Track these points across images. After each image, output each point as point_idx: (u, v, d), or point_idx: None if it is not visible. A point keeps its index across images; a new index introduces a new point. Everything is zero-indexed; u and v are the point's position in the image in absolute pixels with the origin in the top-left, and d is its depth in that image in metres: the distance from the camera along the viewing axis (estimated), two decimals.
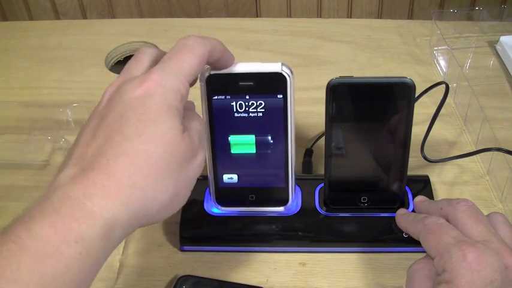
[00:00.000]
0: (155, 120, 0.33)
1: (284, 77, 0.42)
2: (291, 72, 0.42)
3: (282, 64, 0.42)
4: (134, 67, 0.38)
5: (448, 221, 0.40)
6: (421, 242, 0.40)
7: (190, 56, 0.36)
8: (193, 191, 0.37)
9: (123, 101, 0.34)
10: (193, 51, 0.36)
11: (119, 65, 0.78)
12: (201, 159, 0.37)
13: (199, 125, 0.38)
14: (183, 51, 0.36)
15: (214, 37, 0.39)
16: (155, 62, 0.38)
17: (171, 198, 0.34)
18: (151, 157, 0.32)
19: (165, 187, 0.33)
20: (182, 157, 0.34)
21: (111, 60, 0.77)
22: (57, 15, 0.88)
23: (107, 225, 0.30)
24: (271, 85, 0.42)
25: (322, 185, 0.52)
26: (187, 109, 0.38)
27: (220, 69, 0.42)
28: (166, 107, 0.34)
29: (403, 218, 0.45)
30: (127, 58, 0.79)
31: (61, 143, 0.62)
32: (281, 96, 0.43)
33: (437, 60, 0.72)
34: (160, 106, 0.33)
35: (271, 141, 0.46)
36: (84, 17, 0.88)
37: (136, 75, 0.36)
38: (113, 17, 0.88)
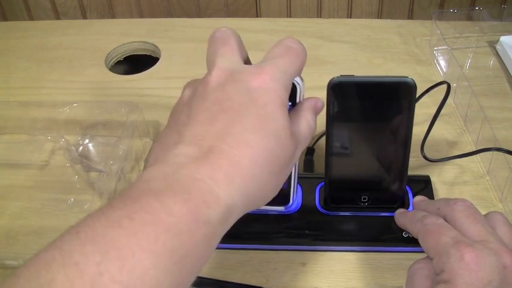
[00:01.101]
0: (272, 117, 0.33)
1: (294, 86, 0.40)
2: (301, 79, 0.40)
3: None
4: (228, 52, 0.37)
5: (445, 220, 0.40)
6: (420, 242, 0.40)
7: (297, 60, 0.36)
8: None
9: (239, 90, 0.34)
10: (299, 56, 0.37)
11: (119, 65, 0.78)
12: (297, 158, 0.37)
13: (304, 127, 0.38)
14: (290, 53, 0.36)
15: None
16: (240, 45, 0.38)
17: (272, 193, 0.35)
18: (268, 152, 0.33)
19: (272, 182, 0.34)
20: (288, 156, 0.35)
21: (111, 60, 0.77)
22: (57, 15, 0.88)
23: (227, 212, 0.31)
24: None
25: (322, 183, 0.52)
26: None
27: None
28: (279, 104, 0.34)
29: (401, 215, 0.45)
30: (127, 58, 0.79)
31: (61, 143, 0.61)
32: (290, 104, 0.41)
33: (437, 60, 0.72)
34: (276, 103, 0.34)
35: None
36: (84, 17, 0.88)
37: (237, 59, 0.36)
38: (113, 17, 0.88)
